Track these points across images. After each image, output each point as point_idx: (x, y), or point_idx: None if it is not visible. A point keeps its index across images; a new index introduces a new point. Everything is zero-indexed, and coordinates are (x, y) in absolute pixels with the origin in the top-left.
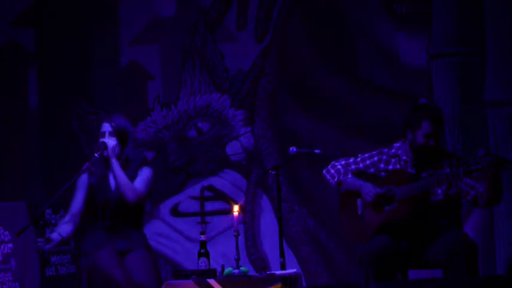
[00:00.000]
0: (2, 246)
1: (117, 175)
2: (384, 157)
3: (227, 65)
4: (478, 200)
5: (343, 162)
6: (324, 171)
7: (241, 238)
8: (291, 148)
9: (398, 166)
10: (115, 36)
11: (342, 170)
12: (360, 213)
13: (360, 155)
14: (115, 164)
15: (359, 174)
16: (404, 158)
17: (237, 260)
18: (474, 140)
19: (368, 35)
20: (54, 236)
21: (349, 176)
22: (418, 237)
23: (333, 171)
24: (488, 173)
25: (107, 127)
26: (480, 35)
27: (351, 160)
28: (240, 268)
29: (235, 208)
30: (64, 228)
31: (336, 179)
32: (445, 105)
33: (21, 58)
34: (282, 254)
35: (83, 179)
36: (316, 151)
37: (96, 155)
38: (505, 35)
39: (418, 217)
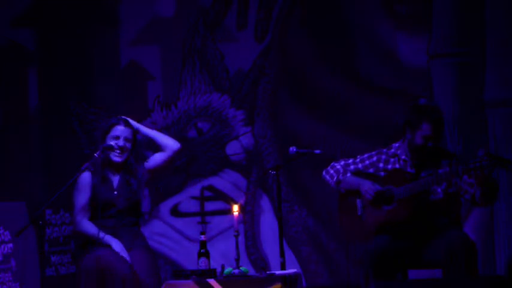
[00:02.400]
0: (2, 246)
1: (153, 133)
2: (383, 157)
3: (227, 65)
4: (476, 198)
5: (342, 163)
6: (324, 172)
7: (241, 238)
8: (291, 148)
9: (397, 166)
10: (115, 36)
11: (341, 170)
12: (359, 213)
13: (359, 156)
14: (144, 128)
15: (358, 174)
16: (403, 157)
17: (237, 260)
18: (474, 140)
19: (368, 35)
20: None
21: (348, 175)
22: (417, 236)
23: (332, 171)
24: (483, 172)
25: (122, 131)
26: (480, 35)
27: (350, 161)
28: (240, 268)
29: (235, 208)
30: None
31: (335, 178)
32: (445, 105)
33: (21, 58)
34: (282, 254)
35: (87, 179)
36: (316, 151)
37: (95, 155)
38: (505, 35)
39: (417, 217)
